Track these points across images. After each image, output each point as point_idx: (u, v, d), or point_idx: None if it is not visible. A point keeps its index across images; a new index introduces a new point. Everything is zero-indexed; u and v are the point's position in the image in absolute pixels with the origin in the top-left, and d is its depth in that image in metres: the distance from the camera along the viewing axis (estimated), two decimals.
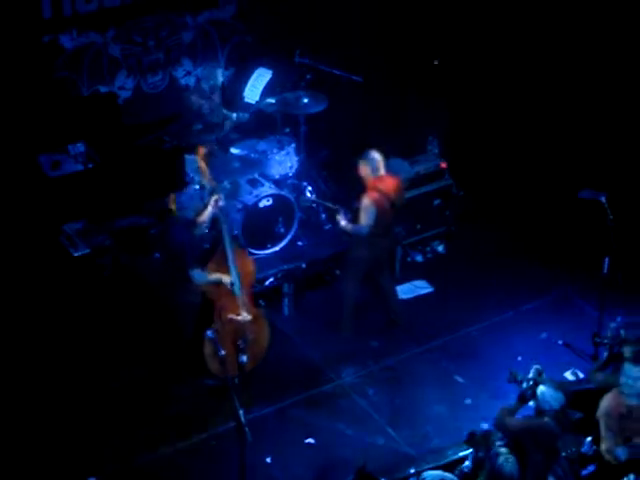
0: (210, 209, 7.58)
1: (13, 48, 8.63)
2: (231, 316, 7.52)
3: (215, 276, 7.44)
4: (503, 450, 6.07)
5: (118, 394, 7.62)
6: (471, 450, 6.53)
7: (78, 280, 7.92)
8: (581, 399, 6.81)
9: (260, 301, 8.46)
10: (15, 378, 7.53)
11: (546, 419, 6.34)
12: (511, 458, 5.99)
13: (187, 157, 8.52)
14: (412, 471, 6.43)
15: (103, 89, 9.45)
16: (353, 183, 8.31)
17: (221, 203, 7.53)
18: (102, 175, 8.02)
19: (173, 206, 8.45)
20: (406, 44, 10.12)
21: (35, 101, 8.52)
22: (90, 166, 8.06)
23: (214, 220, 7.69)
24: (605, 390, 6.60)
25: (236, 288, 7.48)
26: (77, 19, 9.13)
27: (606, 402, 6.49)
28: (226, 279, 7.44)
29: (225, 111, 9.26)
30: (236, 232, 8.39)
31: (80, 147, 8.17)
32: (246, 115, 9.23)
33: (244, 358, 7.46)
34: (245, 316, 7.53)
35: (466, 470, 6.38)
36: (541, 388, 6.39)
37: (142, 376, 7.79)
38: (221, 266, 7.47)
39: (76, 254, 8.03)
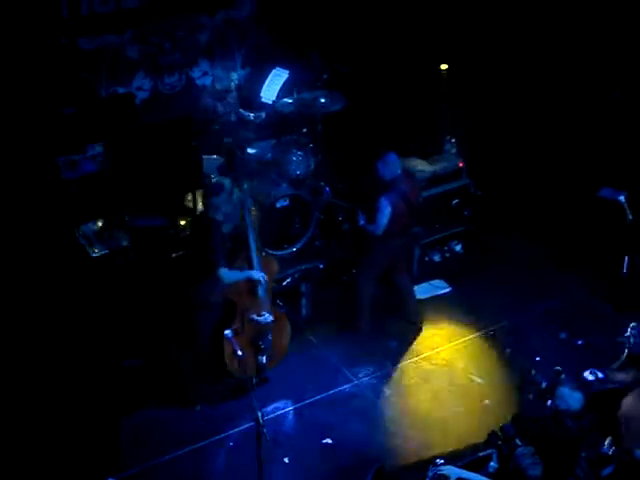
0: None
1: (33, 49, 8.66)
2: (253, 317, 7.53)
3: (244, 273, 7.44)
4: (529, 450, 5.99)
5: (135, 394, 7.64)
6: (493, 450, 6.47)
7: (97, 280, 7.94)
8: (600, 399, 6.76)
9: (278, 301, 8.46)
10: (33, 376, 7.55)
11: (565, 419, 6.30)
12: (537, 460, 5.92)
13: (206, 157, 8.55)
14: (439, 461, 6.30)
15: (121, 90, 9.49)
16: (370, 183, 8.29)
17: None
18: (120, 175, 8.03)
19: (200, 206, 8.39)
20: (423, 45, 10.08)
21: (54, 102, 8.56)
22: (108, 167, 8.08)
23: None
24: (624, 390, 6.55)
25: (261, 288, 7.51)
26: (95, 20, 9.16)
27: (628, 402, 6.43)
28: (256, 274, 7.45)
29: (241, 111, 9.25)
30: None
31: (98, 148, 8.21)
32: (262, 115, 9.22)
33: (263, 359, 7.48)
34: (267, 317, 7.54)
35: (491, 470, 6.30)
36: (560, 388, 6.36)
37: (158, 376, 7.79)
38: (247, 265, 7.49)
39: (94, 254, 8.05)
